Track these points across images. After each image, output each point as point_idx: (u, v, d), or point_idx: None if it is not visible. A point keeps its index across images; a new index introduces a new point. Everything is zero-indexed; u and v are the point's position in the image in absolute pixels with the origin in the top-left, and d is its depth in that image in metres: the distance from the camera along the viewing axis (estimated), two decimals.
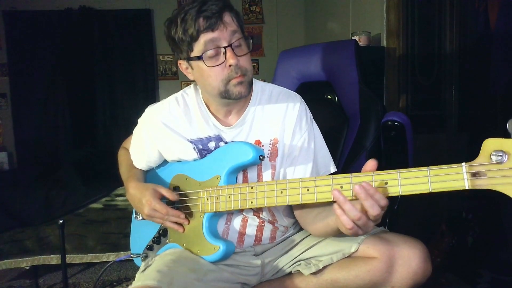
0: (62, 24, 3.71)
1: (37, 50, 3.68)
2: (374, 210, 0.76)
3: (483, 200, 2.16)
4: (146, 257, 1.14)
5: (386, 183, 0.77)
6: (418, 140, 1.53)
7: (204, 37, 0.95)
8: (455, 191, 0.73)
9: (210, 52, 0.97)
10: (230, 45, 0.96)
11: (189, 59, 1.01)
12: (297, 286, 1.02)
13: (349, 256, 0.97)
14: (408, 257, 0.90)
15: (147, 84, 3.92)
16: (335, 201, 0.80)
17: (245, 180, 1.07)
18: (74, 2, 3.74)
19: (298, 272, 1.03)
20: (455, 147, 2.50)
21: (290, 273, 1.06)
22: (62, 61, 3.73)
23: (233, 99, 1.02)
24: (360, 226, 0.79)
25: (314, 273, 0.99)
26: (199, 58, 0.98)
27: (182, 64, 1.06)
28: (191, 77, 1.07)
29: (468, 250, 2.13)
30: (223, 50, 0.97)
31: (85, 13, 3.75)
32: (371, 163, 0.80)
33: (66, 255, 2.07)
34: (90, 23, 3.76)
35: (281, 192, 0.92)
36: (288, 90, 1.16)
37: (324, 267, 0.98)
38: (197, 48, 0.97)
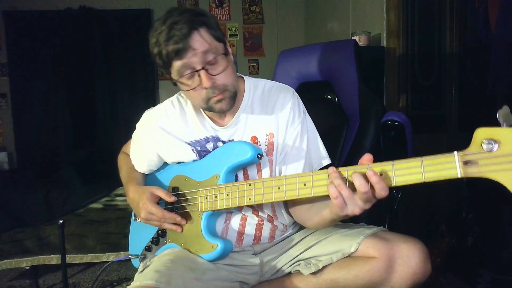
0: (62, 24, 3.72)
1: (37, 50, 3.69)
2: (362, 187, 0.77)
3: (483, 200, 2.16)
4: (144, 258, 1.14)
5: (381, 174, 0.78)
6: (418, 140, 1.53)
7: (176, 64, 0.96)
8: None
9: (186, 76, 0.97)
10: (203, 68, 0.96)
11: (171, 78, 1.02)
12: (296, 286, 1.02)
13: (348, 256, 0.97)
14: (407, 257, 0.90)
15: (147, 84, 3.93)
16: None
17: (246, 178, 1.08)
18: (74, 2, 3.75)
19: (298, 272, 1.03)
20: (455, 147, 2.49)
21: (290, 273, 1.06)
22: (62, 61, 3.74)
23: (217, 113, 1.05)
24: (344, 197, 0.80)
25: (314, 273, 0.98)
26: (175, 84, 1.01)
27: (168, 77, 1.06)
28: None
29: (468, 250, 2.13)
30: (197, 73, 0.96)
31: (85, 13, 3.75)
32: (367, 157, 0.81)
33: (66, 255, 2.07)
34: (90, 23, 3.77)
35: (279, 188, 0.93)
36: (280, 84, 1.16)
37: (323, 267, 0.98)
38: (173, 72, 0.98)
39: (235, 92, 1.03)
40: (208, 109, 1.03)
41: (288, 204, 1.09)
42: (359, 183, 0.78)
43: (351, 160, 1.39)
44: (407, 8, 2.37)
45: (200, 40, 0.95)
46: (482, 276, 1.97)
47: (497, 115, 0.70)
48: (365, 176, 0.78)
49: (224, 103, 1.00)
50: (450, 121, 2.56)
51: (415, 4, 2.40)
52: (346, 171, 0.82)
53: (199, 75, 0.96)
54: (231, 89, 1.01)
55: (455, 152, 0.73)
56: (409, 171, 0.76)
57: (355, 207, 0.81)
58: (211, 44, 0.96)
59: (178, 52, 0.93)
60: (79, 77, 3.77)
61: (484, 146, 0.70)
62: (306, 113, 1.14)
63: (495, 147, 0.69)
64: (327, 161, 1.12)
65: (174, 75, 0.99)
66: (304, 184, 0.89)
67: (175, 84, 1.02)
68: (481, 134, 0.71)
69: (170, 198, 1.06)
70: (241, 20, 4.05)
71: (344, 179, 0.81)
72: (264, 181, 0.96)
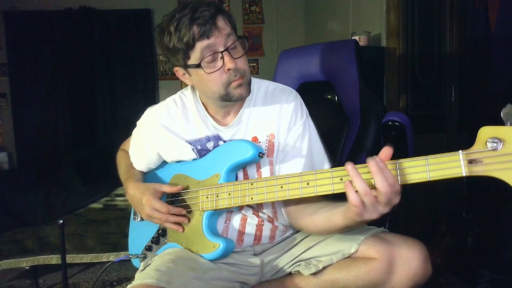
0: (62, 24, 3.72)
1: (37, 50, 3.69)
2: (384, 186, 0.76)
3: (483, 200, 2.16)
4: (144, 257, 1.14)
5: None
6: (418, 140, 1.53)
7: (200, 45, 0.95)
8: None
9: (208, 59, 0.97)
10: (226, 49, 0.97)
11: (186, 66, 1.01)
12: (296, 286, 1.02)
13: (349, 257, 0.97)
14: (408, 258, 0.90)
15: (147, 84, 3.93)
16: (334, 194, 0.82)
17: (246, 177, 1.08)
18: (74, 2, 3.75)
19: (298, 272, 1.03)
20: (455, 147, 2.49)
21: (290, 273, 1.06)
22: (62, 61, 3.74)
23: (234, 101, 1.03)
24: (366, 205, 0.79)
25: (314, 274, 0.98)
26: (197, 66, 0.98)
27: (179, 71, 1.05)
28: (189, 83, 1.08)
29: (468, 250, 2.13)
30: (220, 54, 0.97)
31: (85, 13, 3.75)
32: (387, 151, 0.79)
33: (66, 255, 2.07)
34: (90, 23, 3.77)
35: (281, 187, 0.93)
36: (284, 85, 1.16)
37: (324, 268, 0.98)
38: (194, 56, 0.97)
39: (250, 80, 1.05)
40: (226, 96, 1.01)
41: (287, 212, 1.08)
42: (381, 185, 0.76)
43: (352, 160, 1.38)
44: (407, 8, 2.37)
45: (224, 23, 0.97)
46: (482, 276, 1.98)
47: (501, 113, 0.70)
48: (382, 171, 0.76)
49: (244, 88, 1.00)
50: (450, 121, 2.56)
51: (415, 4, 2.40)
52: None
53: (222, 57, 0.97)
54: (248, 76, 1.02)
55: (460, 151, 0.73)
56: (414, 170, 0.76)
57: (374, 212, 0.80)
58: (231, 30, 0.99)
59: (204, 32, 0.94)
60: (79, 77, 3.77)
61: (489, 145, 0.70)
62: (309, 116, 1.14)
63: (500, 145, 0.69)
64: (328, 164, 1.12)
65: (194, 60, 0.98)
66: (307, 183, 0.89)
67: (197, 66, 0.97)
68: (486, 132, 0.71)
69: (176, 187, 1.07)
70: (241, 20, 4.04)
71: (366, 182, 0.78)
72: (266, 180, 0.96)
